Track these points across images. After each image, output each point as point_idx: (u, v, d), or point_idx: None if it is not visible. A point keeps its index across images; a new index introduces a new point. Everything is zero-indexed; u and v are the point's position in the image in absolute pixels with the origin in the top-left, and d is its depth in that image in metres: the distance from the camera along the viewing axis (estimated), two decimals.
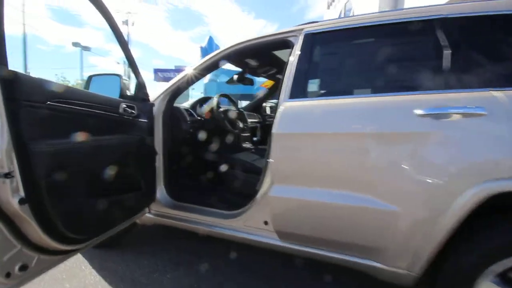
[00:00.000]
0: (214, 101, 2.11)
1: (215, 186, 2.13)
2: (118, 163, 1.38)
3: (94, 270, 1.71)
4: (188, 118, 2.03)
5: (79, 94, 1.20)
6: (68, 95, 1.11)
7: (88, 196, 1.20)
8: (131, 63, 1.58)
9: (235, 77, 2.48)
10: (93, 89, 1.65)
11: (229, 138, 2.34)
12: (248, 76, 2.65)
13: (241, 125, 2.37)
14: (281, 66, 2.45)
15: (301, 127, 1.31)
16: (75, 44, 19.38)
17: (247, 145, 2.57)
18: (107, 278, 1.63)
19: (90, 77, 1.66)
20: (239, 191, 1.88)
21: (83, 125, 1.18)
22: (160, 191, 1.90)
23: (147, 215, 1.90)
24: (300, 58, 1.40)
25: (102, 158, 1.28)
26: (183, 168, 2.22)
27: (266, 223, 1.45)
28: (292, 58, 1.43)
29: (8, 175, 0.87)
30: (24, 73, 0.99)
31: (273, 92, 3.20)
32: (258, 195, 1.48)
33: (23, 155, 0.92)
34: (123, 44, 1.51)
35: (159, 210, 1.91)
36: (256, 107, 3.30)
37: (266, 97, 3.26)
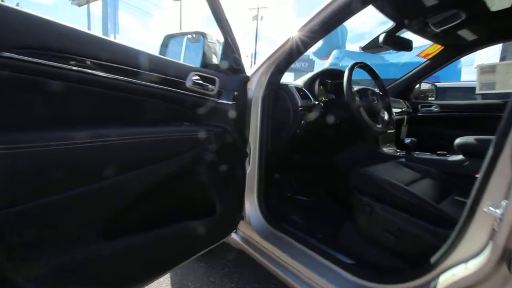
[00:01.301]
0: (345, 76, 1.26)
1: (341, 218, 1.32)
2: (174, 177, 0.81)
3: None
4: (300, 103, 1.28)
5: (93, 43, 0.65)
6: (66, 43, 0.57)
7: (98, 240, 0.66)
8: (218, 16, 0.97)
9: (381, 37, 1.51)
10: (171, 56, 1.15)
11: (366, 137, 1.45)
12: (403, 36, 1.61)
13: (386, 117, 1.42)
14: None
15: None
16: None
17: (390, 149, 1.59)
18: None
19: (167, 37, 1.16)
20: (392, 243, 1.01)
21: (98, 105, 0.64)
22: (252, 209, 1.28)
23: (233, 235, 1.33)
24: None
25: (142, 170, 0.72)
26: (290, 181, 1.52)
27: None
28: None
29: None
30: None
31: (438, 65, 1.98)
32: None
33: None
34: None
35: (249, 235, 1.30)
36: (403, 90, 2.17)
37: (424, 74, 2.07)
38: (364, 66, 1.37)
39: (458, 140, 1.29)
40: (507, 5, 1.51)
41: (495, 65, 1.85)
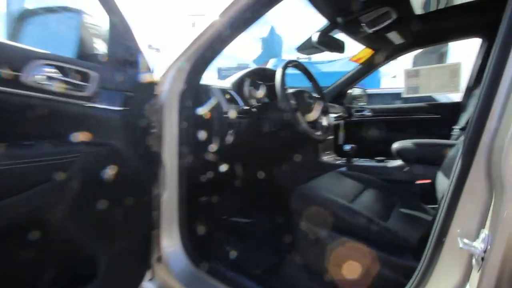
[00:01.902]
0: (277, 76, 1.05)
1: (285, 243, 1.10)
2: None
3: None
4: (226, 108, 1.03)
5: None
6: None
7: None
8: None
9: (315, 37, 1.37)
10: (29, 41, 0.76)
11: (305, 146, 1.28)
12: (335, 37, 1.51)
13: (324, 122, 1.27)
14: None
15: None
16: None
17: (330, 157, 1.46)
18: None
19: (24, 14, 0.78)
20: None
21: None
22: (172, 247, 0.97)
23: (147, 284, 0.99)
24: None
25: None
26: (224, 201, 1.26)
27: None
28: None
29: None
30: None
31: (368, 70, 1.98)
32: None
33: None
34: None
35: (167, 282, 0.98)
36: (337, 95, 2.12)
37: (356, 79, 2.06)
38: (298, 65, 1.21)
39: (396, 145, 1.22)
40: (428, 9, 1.55)
41: (419, 69, 1.94)
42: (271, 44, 10.03)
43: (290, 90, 1.13)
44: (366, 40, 1.66)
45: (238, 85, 1.17)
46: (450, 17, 1.57)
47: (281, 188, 1.48)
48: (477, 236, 0.48)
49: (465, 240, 0.49)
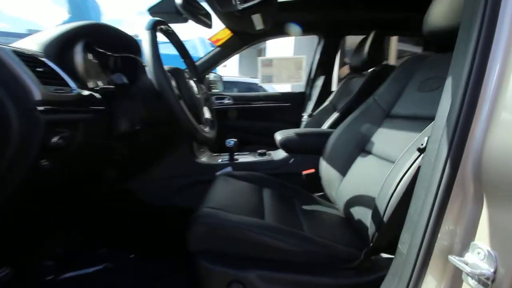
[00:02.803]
0: (146, 41, 0.64)
1: None
2: None
3: None
4: (39, 94, 0.51)
5: None
6: None
7: None
8: None
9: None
10: None
11: (178, 145, 0.96)
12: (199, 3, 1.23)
13: (207, 114, 0.98)
14: None
15: None
16: None
17: (206, 155, 1.21)
18: None
19: None
20: None
21: None
22: None
23: None
24: None
25: None
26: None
27: None
28: None
29: None
30: None
31: (226, 54, 1.84)
32: None
33: None
34: None
35: None
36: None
37: (214, 63, 1.86)
38: (171, 32, 0.82)
39: (279, 137, 1.14)
40: None
41: (271, 59, 2.03)
42: (83, 7, 7.78)
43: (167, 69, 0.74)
44: (229, 18, 1.48)
45: (60, 53, 0.63)
46: (294, 11, 1.69)
47: (148, 206, 1.07)
48: (466, 248, 0.41)
49: (454, 256, 0.41)
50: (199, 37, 6.72)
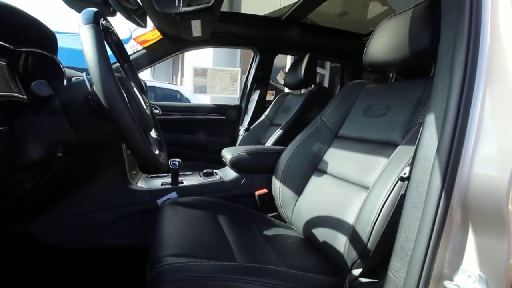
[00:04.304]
0: (86, 37, 0.46)
1: None
2: None
3: None
4: None
5: None
6: None
7: None
8: None
9: None
10: None
11: (104, 169, 0.76)
12: None
13: (153, 133, 0.80)
14: None
15: None
16: None
17: (141, 180, 1.02)
18: None
19: None
20: None
21: None
22: None
23: None
24: None
25: None
26: None
27: None
28: None
29: None
30: None
31: (155, 58, 1.63)
32: None
33: None
34: None
35: None
36: None
37: (141, 67, 1.61)
38: (110, 32, 0.63)
39: (229, 155, 1.06)
40: (226, 9, 1.50)
41: (206, 69, 1.91)
42: None
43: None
44: (164, 20, 1.30)
45: None
46: (233, 23, 1.65)
47: (69, 252, 0.80)
48: (456, 272, 0.45)
49: (448, 282, 0.44)
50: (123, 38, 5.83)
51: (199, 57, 5.61)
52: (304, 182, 0.95)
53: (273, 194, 1.03)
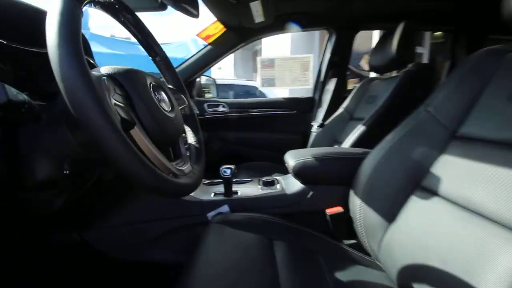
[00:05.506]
0: (56, 29, 0.34)
1: None
2: None
3: None
4: None
5: None
6: None
7: None
8: None
9: None
10: None
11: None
12: None
13: (191, 139, 0.68)
14: None
15: None
16: None
17: (200, 190, 0.90)
18: None
19: None
20: None
21: None
22: None
23: None
24: None
25: None
26: None
27: None
28: None
29: None
30: None
31: (221, 53, 1.54)
32: None
33: None
34: None
35: None
36: (185, 84, 1.55)
37: (206, 64, 1.56)
38: (118, 9, 0.51)
39: (292, 162, 0.85)
40: None
41: (273, 59, 1.74)
42: None
43: (103, 71, 0.42)
44: (222, 7, 1.18)
45: None
46: (300, 0, 1.40)
47: (118, 265, 0.77)
48: None
49: None
50: (192, 38, 6.39)
51: (277, 49, 5.48)
52: (399, 203, 0.65)
53: (350, 215, 0.77)
